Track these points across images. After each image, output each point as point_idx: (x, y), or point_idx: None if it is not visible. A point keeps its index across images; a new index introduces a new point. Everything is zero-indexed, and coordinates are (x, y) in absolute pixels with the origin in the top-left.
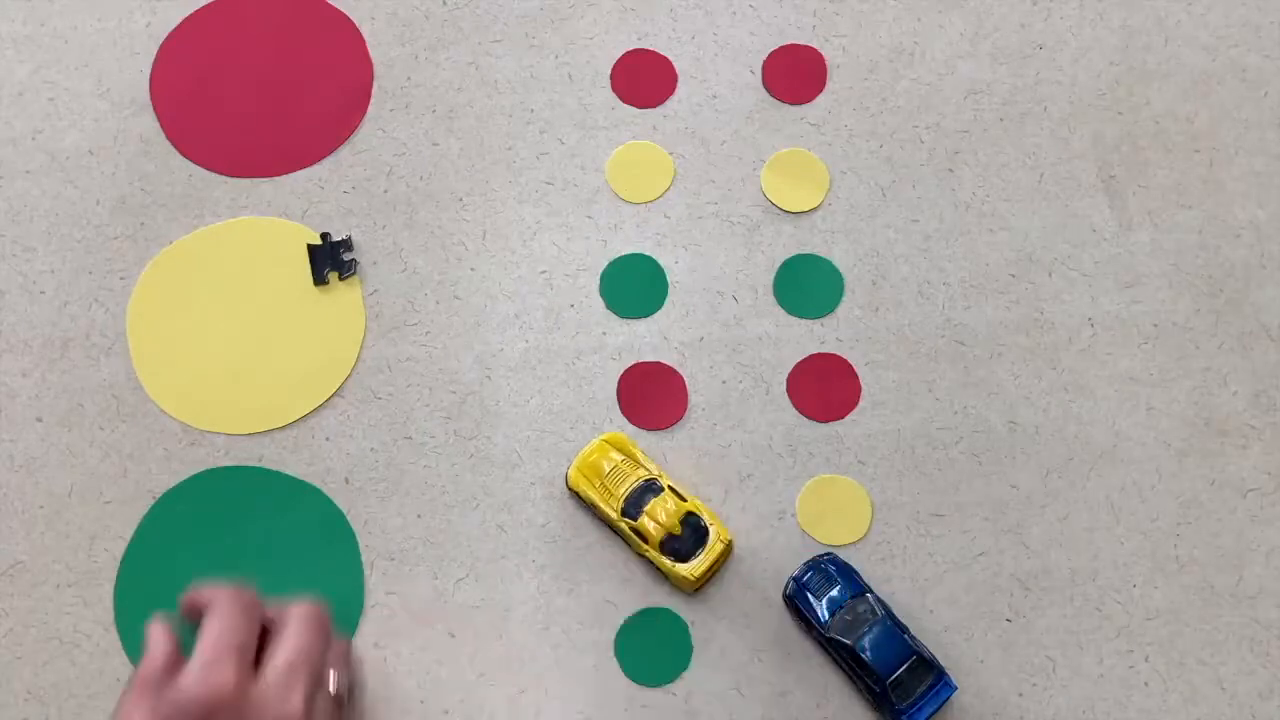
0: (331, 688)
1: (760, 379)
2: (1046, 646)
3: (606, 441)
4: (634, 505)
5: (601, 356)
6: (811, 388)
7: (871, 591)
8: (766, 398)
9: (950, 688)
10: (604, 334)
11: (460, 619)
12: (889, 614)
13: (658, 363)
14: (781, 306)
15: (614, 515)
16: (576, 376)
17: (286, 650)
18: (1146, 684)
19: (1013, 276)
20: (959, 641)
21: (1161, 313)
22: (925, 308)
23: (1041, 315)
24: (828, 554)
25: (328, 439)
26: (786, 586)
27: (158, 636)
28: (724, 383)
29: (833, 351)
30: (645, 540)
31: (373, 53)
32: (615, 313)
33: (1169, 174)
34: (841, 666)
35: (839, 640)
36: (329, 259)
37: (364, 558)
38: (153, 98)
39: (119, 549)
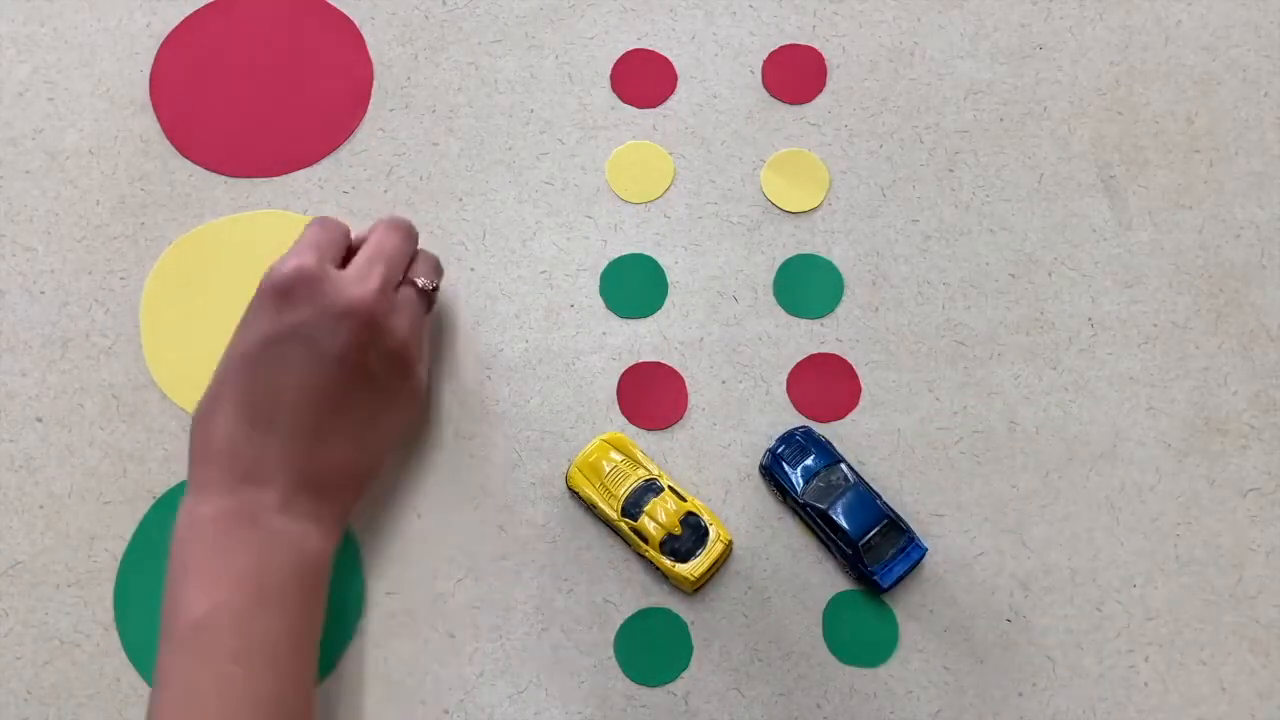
0: (418, 282)
1: (760, 379)
2: (1046, 647)
3: (606, 441)
4: (634, 505)
5: (601, 356)
6: (811, 388)
7: (845, 461)
8: (766, 398)
9: (920, 549)
10: (604, 334)
11: (460, 619)
12: (861, 481)
13: (658, 363)
14: (781, 306)
15: (614, 515)
16: (576, 376)
17: (367, 247)
18: (1146, 684)
19: (1013, 276)
20: (959, 641)
21: (1161, 313)
22: (925, 308)
23: (1041, 315)
24: (801, 427)
25: None
26: (763, 458)
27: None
28: (724, 383)
29: (833, 351)
30: (645, 540)
31: (373, 53)
32: (615, 313)
33: (1169, 174)
34: (815, 533)
35: (813, 505)
36: None
37: (364, 558)
38: (153, 98)
39: (119, 549)
